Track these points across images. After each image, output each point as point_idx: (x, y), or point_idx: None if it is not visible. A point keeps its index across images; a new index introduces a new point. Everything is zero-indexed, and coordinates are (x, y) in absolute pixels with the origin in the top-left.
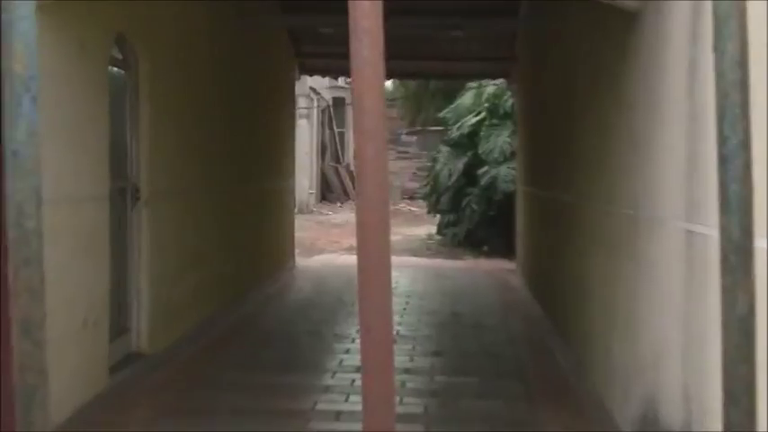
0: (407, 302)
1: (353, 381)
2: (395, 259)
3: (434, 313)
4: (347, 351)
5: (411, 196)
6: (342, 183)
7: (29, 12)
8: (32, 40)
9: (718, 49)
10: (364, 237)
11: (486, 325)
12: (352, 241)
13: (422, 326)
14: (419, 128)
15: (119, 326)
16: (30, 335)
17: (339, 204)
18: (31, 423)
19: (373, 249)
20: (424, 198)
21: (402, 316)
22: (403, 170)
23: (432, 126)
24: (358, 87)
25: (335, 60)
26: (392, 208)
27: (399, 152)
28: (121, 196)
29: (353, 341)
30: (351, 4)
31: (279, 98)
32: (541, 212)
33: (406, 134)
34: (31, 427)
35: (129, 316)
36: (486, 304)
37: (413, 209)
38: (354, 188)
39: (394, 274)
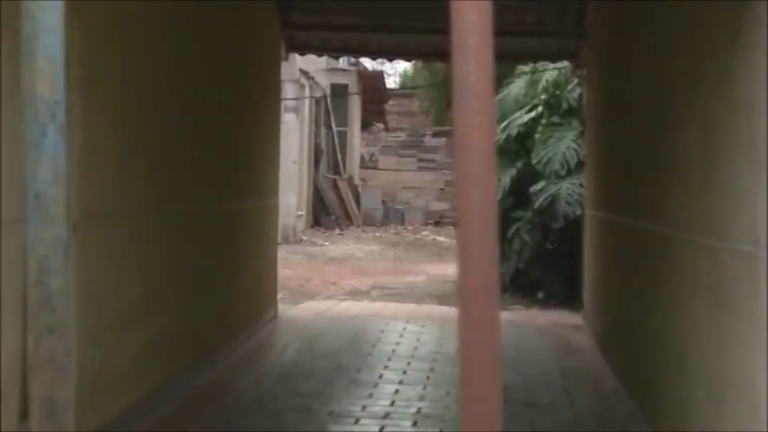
0: (432, 369)
1: None
2: (414, 308)
3: None
4: None
5: (437, 221)
6: (342, 202)
7: (56, 21)
8: (59, 56)
9: None
10: (467, 305)
11: (541, 403)
12: (356, 282)
13: (453, 402)
14: (449, 127)
15: None
16: (55, 419)
17: (338, 231)
18: None
19: (478, 322)
20: (455, 224)
21: (425, 388)
22: (427, 186)
23: None
24: (462, 121)
25: (337, 33)
26: (411, 237)
27: (421, 161)
28: None
29: (357, 422)
30: (453, 16)
31: (258, 86)
32: (619, 247)
33: (432, 136)
34: None
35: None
36: (542, 373)
37: (439, 238)
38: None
39: (414, 328)
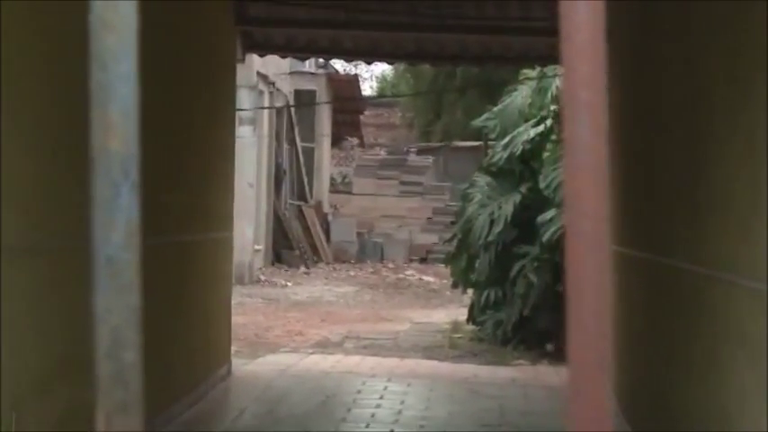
0: None
1: None
2: (397, 364)
3: None
4: None
5: (424, 257)
6: (309, 233)
7: (131, 69)
8: (133, 107)
9: None
10: (576, 387)
11: None
12: (325, 331)
13: None
14: (438, 143)
15: None
16: None
17: (304, 269)
18: None
19: (588, 407)
20: (446, 261)
21: None
22: (411, 214)
23: (460, 141)
24: (576, 184)
25: (303, 30)
26: (392, 276)
27: (405, 184)
28: None
29: None
30: (565, 66)
31: (208, 94)
32: (646, 289)
33: (417, 154)
34: None
35: None
36: None
37: (426, 278)
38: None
39: (397, 388)
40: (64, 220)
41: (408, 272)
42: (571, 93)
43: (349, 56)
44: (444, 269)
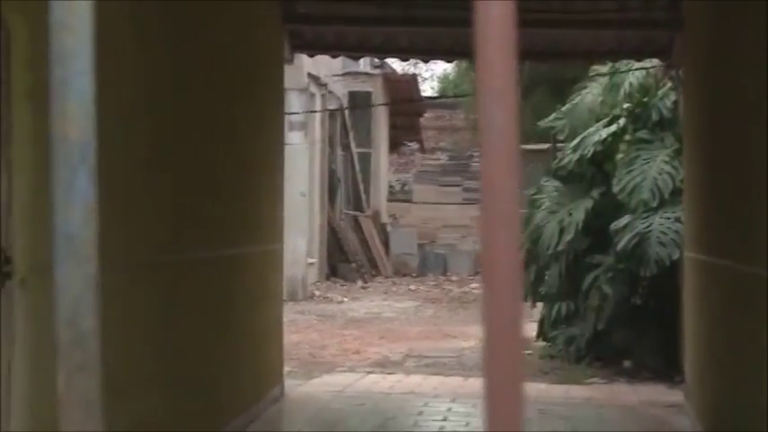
0: None
1: None
2: (461, 383)
3: None
4: None
5: None
6: (366, 246)
7: (88, 66)
8: (90, 99)
9: None
10: (491, 349)
11: None
12: (384, 350)
13: None
14: None
15: None
16: None
17: (361, 284)
18: None
19: (503, 370)
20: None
21: None
22: (475, 223)
23: (528, 143)
24: (488, 163)
25: (355, 28)
26: (456, 290)
27: (468, 191)
28: None
29: None
30: (478, 61)
31: (254, 98)
32: (733, 300)
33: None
34: None
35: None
36: None
37: None
38: (388, 252)
39: (461, 409)
40: (100, 236)
41: (473, 285)
42: (484, 81)
43: (404, 54)
44: None
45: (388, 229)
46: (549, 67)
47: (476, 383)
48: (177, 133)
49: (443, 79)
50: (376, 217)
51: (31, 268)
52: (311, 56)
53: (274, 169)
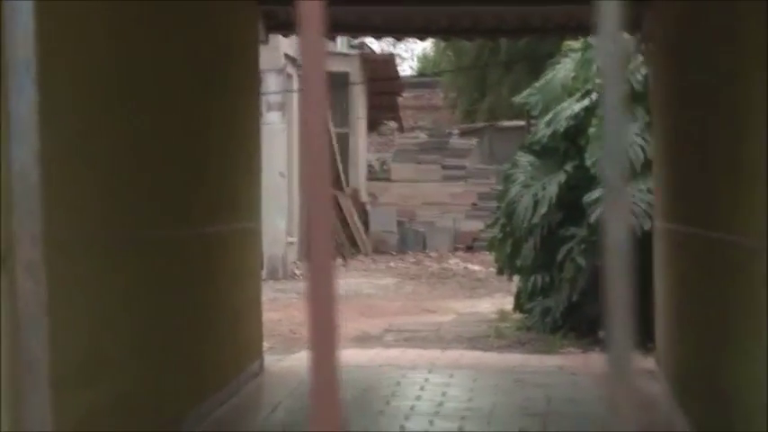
0: (461, 429)
1: None
2: (439, 355)
3: None
4: None
5: (470, 246)
6: (345, 224)
7: (30, 57)
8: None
9: None
10: (313, 316)
11: None
12: (364, 325)
13: None
14: (482, 124)
15: None
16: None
17: (341, 262)
18: None
19: (321, 336)
20: (490, 248)
21: None
22: (454, 200)
23: (506, 120)
24: (305, 143)
25: (331, 6)
26: (436, 266)
27: (447, 168)
28: None
29: None
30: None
31: (229, 78)
32: (698, 267)
33: (460, 136)
34: None
35: None
36: None
37: (472, 267)
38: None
39: (438, 379)
40: (79, 212)
41: (452, 261)
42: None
43: (378, 32)
44: (491, 257)
45: (368, 207)
46: (527, 45)
47: (453, 355)
48: (153, 115)
49: (422, 59)
50: (355, 196)
51: (9, 249)
52: (286, 36)
53: (251, 149)
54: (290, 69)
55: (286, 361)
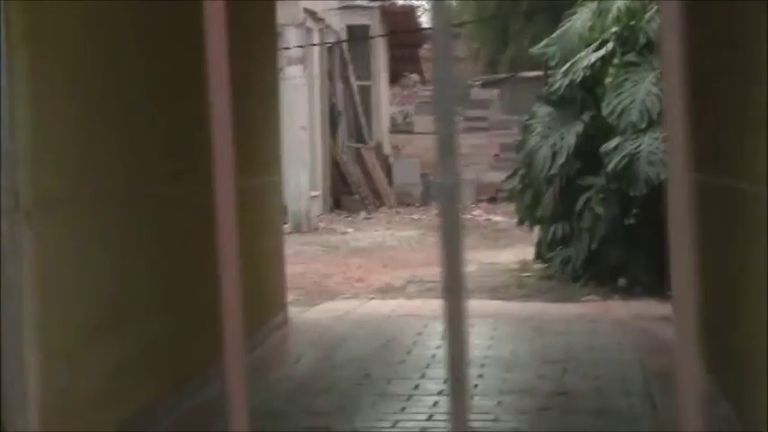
0: (481, 376)
1: None
2: None
3: (527, 393)
4: None
5: (493, 197)
6: (369, 177)
7: None
8: None
9: None
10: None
11: (615, 411)
12: (387, 276)
13: (503, 413)
14: (504, 75)
15: None
16: None
17: (365, 215)
18: None
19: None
20: (511, 199)
21: (471, 398)
22: (477, 151)
23: (527, 71)
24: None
25: None
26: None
27: (469, 119)
28: None
29: None
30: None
31: (247, 33)
32: (710, 217)
33: (481, 87)
34: None
35: (4, 409)
36: (620, 376)
37: (495, 218)
38: (391, 183)
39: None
40: (102, 169)
41: (475, 212)
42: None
43: None
44: (513, 208)
45: (391, 160)
46: None
47: (474, 305)
48: (172, 71)
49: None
50: (378, 148)
51: (35, 202)
52: None
53: (269, 103)
54: (310, 24)
55: (309, 313)
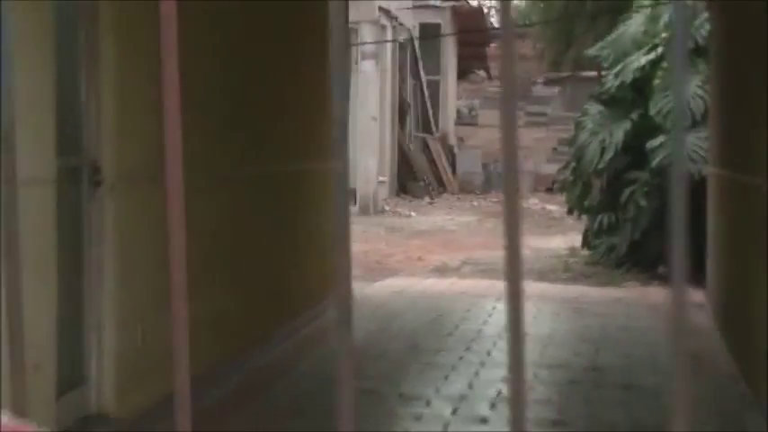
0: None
1: None
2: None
3: (561, 367)
4: (418, 418)
5: (549, 187)
6: (434, 165)
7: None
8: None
9: None
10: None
11: (641, 386)
12: (445, 257)
13: (538, 384)
14: (565, 74)
15: (71, 374)
16: None
17: (428, 200)
18: None
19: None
20: (562, 189)
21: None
22: (538, 144)
23: (588, 71)
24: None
25: None
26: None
27: (530, 114)
28: (73, 180)
29: (428, 404)
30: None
31: (316, 34)
32: (746, 213)
33: (544, 84)
34: None
35: (86, 361)
36: (649, 355)
37: (549, 207)
38: (454, 172)
39: (504, 307)
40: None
41: (532, 201)
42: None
43: None
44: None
45: (455, 150)
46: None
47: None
48: (248, 70)
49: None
50: (444, 139)
51: (118, 176)
52: None
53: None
54: (384, 21)
55: (369, 288)
